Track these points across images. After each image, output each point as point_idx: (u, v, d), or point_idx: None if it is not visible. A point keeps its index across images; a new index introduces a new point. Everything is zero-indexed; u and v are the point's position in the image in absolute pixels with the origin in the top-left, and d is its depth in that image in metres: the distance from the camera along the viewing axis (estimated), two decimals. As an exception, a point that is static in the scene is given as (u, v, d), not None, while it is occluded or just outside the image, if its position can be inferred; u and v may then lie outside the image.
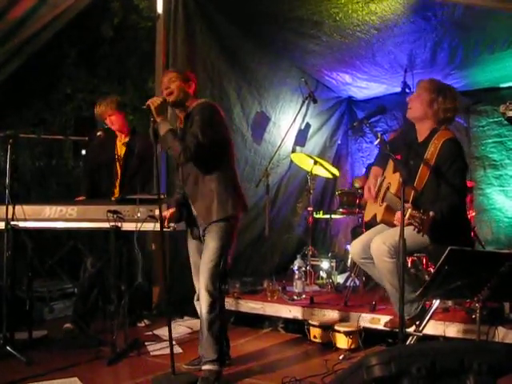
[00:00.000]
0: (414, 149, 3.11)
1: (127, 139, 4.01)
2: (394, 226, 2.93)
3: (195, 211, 3.05)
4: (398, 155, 3.03)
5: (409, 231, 2.61)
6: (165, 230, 3.17)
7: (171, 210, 3.09)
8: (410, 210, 2.55)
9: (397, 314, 2.87)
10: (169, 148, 2.89)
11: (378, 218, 3.07)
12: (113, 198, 3.78)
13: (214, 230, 2.95)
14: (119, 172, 3.97)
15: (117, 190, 3.95)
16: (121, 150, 4.02)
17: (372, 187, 3.15)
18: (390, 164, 3.17)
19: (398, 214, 2.76)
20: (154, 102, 2.85)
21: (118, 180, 3.97)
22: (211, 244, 2.94)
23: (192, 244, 3.15)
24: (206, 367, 2.93)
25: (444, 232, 2.81)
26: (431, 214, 2.58)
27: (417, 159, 3.03)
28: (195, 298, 3.16)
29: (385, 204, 3.01)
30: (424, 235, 2.63)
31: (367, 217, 3.36)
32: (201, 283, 2.94)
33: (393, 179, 3.02)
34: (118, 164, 3.97)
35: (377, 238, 3.00)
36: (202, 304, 2.94)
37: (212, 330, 2.93)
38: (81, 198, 3.92)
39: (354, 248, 3.23)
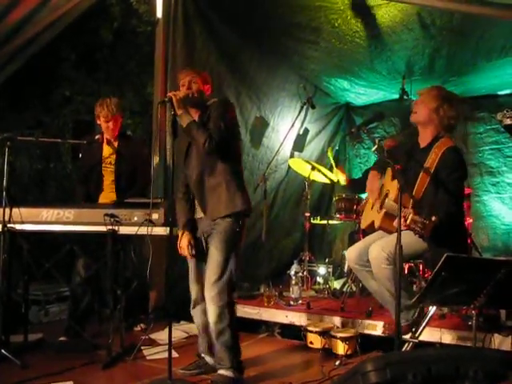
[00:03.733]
0: (415, 156, 3.13)
1: (117, 143, 3.89)
2: (392, 232, 2.94)
3: (201, 208, 2.98)
4: (398, 164, 3.05)
5: (407, 238, 2.61)
6: (157, 233, 3.18)
7: (187, 239, 2.99)
8: (411, 215, 2.55)
9: (394, 320, 2.87)
10: (192, 138, 2.88)
11: (376, 225, 3.08)
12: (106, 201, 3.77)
13: (219, 234, 2.87)
14: (109, 177, 3.86)
15: (105, 195, 3.87)
16: (108, 153, 3.88)
17: (376, 186, 3.22)
18: (389, 171, 3.19)
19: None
20: (176, 95, 2.86)
21: (111, 185, 3.87)
22: (216, 256, 2.87)
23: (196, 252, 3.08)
24: (220, 372, 2.92)
25: (442, 239, 2.82)
26: (433, 218, 2.58)
27: (416, 167, 3.04)
28: (191, 306, 3.09)
29: (383, 210, 3.02)
30: (424, 241, 2.64)
31: (364, 224, 3.38)
32: (207, 296, 2.88)
33: (391, 186, 3.03)
34: (105, 168, 3.87)
35: (375, 246, 3.01)
36: (210, 315, 2.89)
37: (222, 340, 2.88)
38: None
39: (350, 254, 3.24)
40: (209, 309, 2.89)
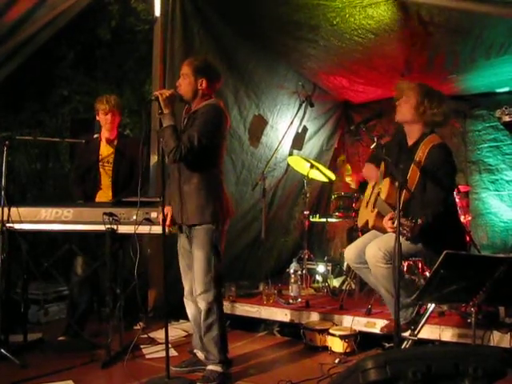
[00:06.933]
0: (404, 153, 3.12)
1: (116, 142, 3.93)
2: (385, 232, 2.94)
3: (174, 213, 3.06)
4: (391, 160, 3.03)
5: (403, 236, 2.60)
6: (156, 231, 3.19)
7: (169, 213, 3.09)
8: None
9: (393, 318, 2.87)
10: (164, 142, 2.89)
11: (370, 224, 3.08)
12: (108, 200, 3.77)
13: (197, 236, 2.96)
14: (107, 176, 3.89)
15: (103, 194, 3.88)
16: (107, 152, 3.91)
17: (374, 173, 3.21)
18: (381, 169, 3.18)
19: (386, 218, 2.78)
20: (162, 94, 2.87)
21: (108, 184, 3.89)
22: (197, 253, 2.96)
23: (182, 249, 3.15)
24: (209, 367, 2.99)
25: (437, 238, 2.82)
26: (419, 221, 2.59)
27: (407, 163, 3.04)
28: (184, 295, 3.18)
29: (376, 210, 3.02)
30: (416, 243, 2.65)
31: (360, 222, 3.38)
32: (196, 291, 2.97)
33: (383, 185, 3.02)
34: (102, 167, 3.89)
35: (372, 244, 3.00)
36: (202, 312, 2.98)
37: (210, 335, 2.96)
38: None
39: (349, 253, 3.24)
40: (199, 303, 2.99)
